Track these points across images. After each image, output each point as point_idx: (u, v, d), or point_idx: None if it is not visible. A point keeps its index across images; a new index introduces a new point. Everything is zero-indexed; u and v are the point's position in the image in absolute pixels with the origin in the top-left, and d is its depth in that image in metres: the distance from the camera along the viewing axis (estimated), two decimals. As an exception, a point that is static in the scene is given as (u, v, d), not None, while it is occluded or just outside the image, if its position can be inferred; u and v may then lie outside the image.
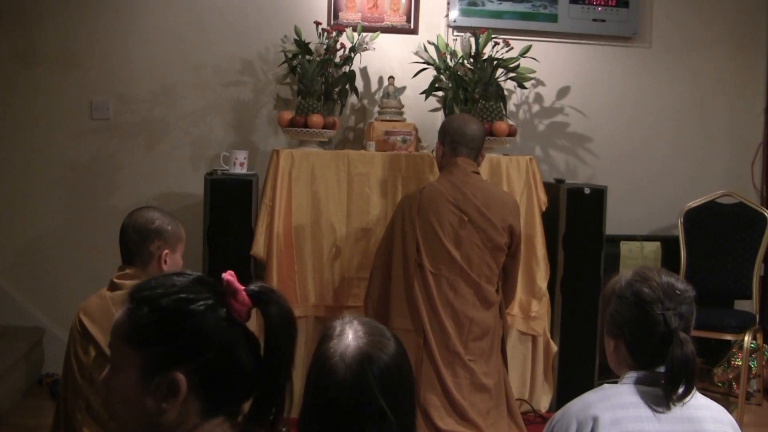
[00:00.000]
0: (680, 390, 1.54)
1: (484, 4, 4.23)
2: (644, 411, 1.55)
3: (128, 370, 1.13)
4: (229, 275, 1.18)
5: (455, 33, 4.18)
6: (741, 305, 4.16)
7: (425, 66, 3.96)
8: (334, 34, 3.84)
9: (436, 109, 4.17)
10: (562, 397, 3.69)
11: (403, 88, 4.03)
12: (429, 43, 3.98)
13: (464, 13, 4.21)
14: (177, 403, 1.12)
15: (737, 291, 4.07)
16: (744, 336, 3.76)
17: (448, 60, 3.92)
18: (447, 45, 3.99)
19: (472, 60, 3.86)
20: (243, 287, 1.17)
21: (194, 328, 1.13)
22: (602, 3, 4.31)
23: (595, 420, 1.54)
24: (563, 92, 4.39)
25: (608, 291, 1.69)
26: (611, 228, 3.97)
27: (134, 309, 1.15)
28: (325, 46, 3.79)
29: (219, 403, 1.16)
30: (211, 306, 1.15)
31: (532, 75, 3.96)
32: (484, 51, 3.86)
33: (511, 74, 3.92)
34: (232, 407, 1.18)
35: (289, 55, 3.83)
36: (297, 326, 1.22)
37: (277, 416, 1.21)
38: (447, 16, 4.23)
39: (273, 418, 1.21)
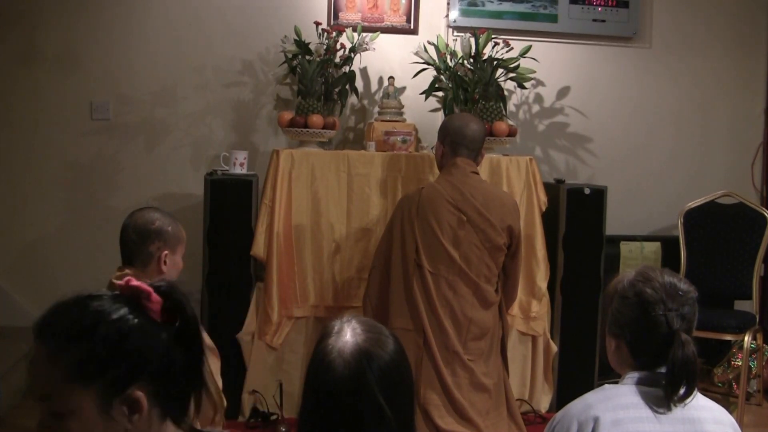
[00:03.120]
0: (681, 391, 1.54)
1: (484, 5, 4.23)
2: (645, 412, 1.55)
3: (85, 410, 1.11)
4: (131, 280, 1.18)
5: (455, 33, 4.18)
6: (741, 305, 4.16)
7: (425, 66, 3.96)
8: (334, 34, 3.84)
9: (436, 110, 4.17)
10: (562, 398, 3.69)
11: (403, 89, 4.03)
12: (429, 43, 3.98)
13: (464, 13, 4.21)
14: (142, 418, 1.13)
15: (737, 291, 4.07)
16: (744, 336, 3.75)
17: (448, 60, 3.92)
18: (447, 45, 3.99)
19: (472, 60, 3.86)
20: (151, 288, 1.18)
21: (135, 343, 1.13)
22: (602, 3, 4.31)
23: (595, 421, 1.54)
24: (563, 92, 4.39)
25: (610, 291, 1.69)
26: (611, 228, 3.97)
27: (68, 347, 1.11)
28: (325, 47, 3.79)
29: (169, 406, 1.17)
30: (136, 315, 1.15)
31: (532, 75, 3.96)
32: (484, 51, 3.86)
33: (511, 74, 3.92)
34: (178, 407, 1.20)
35: (289, 56, 3.83)
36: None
37: (197, 410, 1.22)
38: (447, 16, 4.23)
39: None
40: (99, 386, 1.11)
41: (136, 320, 1.14)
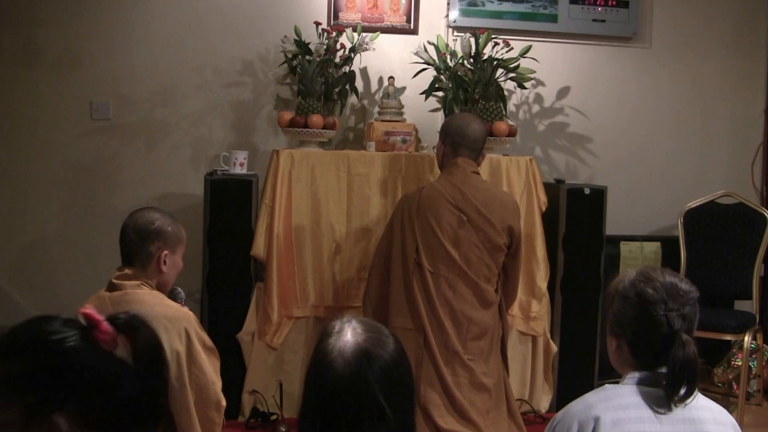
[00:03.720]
0: (682, 391, 1.54)
1: (484, 5, 4.23)
2: (645, 412, 1.55)
3: (11, 425, 1.09)
4: (87, 309, 1.16)
5: (455, 33, 4.18)
6: (741, 305, 4.16)
7: (425, 66, 3.96)
8: (334, 34, 3.84)
9: (436, 110, 4.17)
10: (562, 397, 3.69)
11: (403, 89, 4.03)
12: (429, 43, 3.98)
13: (464, 13, 4.21)
14: None
15: (737, 291, 4.07)
16: (744, 336, 3.75)
17: (448, 60, 3.92)
18: (447, 45, 3.99)
19: (472, 60, 3.86)
20: (103, 318, 1.16)
21: (72, 367, 1.10)
22: (602, 3, 4.31)
23: (596, 421, 1.54)
24: (563, 92, 4.39)
25: (611, 291, 1.69)
26: (611, 228, 3.97)
27: (4, 361, 1.10)
28: (325, 47, 3.79)
29: None
30: (80, 341, 1.13)
31: (532, 75, 3.96)
32: (484, 51, 3.86)
33: (511, 74, 3.92)
34: None
35: (289, 56, 3.83)
36: (165, 352, 1.20)
37: None
38: (447, 16, 4.23)
39: None
40: (26, 403, 1.08)
41: (78, 345, 1.11)
